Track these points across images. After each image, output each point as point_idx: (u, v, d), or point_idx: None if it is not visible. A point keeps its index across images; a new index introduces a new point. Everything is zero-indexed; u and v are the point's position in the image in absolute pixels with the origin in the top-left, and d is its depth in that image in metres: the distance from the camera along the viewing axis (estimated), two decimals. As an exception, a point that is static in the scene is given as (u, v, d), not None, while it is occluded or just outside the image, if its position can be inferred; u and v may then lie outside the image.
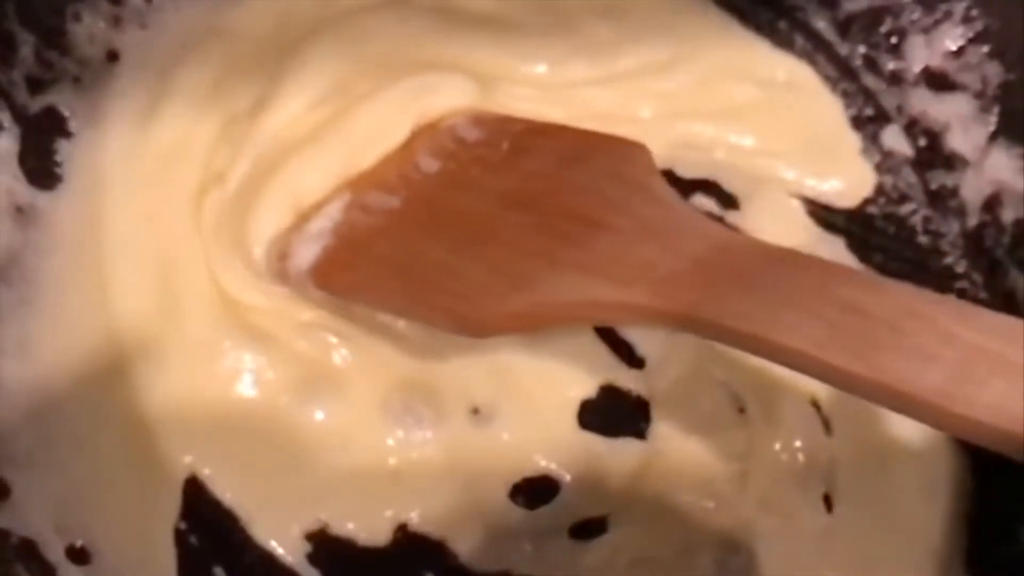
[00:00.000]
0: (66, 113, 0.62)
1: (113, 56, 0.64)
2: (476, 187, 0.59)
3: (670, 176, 0.66)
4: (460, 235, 0.57)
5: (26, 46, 0.61)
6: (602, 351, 0.61)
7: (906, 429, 0.60)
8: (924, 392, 0.42)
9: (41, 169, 0.61)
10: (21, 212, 0.59)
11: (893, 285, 0.47)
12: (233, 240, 0.59)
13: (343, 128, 0.61)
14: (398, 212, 0.59)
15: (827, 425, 0.60)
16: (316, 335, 0.60)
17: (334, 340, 0.60)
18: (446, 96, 0.63)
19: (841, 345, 0.44)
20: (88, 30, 0.63)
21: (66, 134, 0.62)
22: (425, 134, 0.62)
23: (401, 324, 0.60)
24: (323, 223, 0.58)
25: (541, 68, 0.66)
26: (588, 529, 0.58)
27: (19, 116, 0.60)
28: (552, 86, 0.66)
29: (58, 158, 0.62)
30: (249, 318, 0.60)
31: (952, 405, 0.42)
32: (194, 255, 0.60)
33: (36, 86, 0.61)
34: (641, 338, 0.62)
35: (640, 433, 0.60)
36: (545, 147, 0.60)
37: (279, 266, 0.58)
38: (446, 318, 0.55)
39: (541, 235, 0.55)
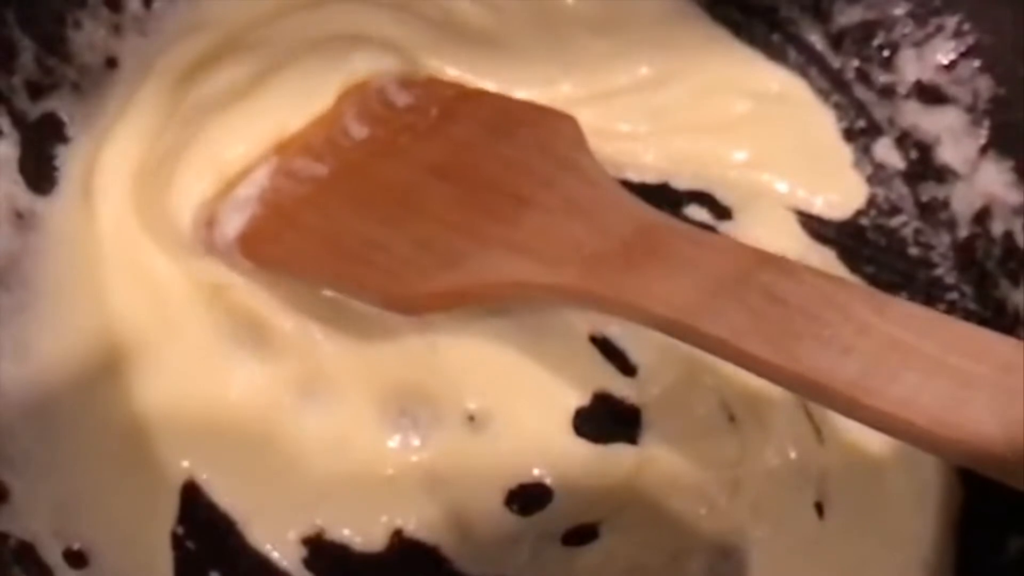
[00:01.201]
0: (65, 119, 0.62)
1: (112, 63, 0.65)
2: (405, 156, 0.59)
3: (665, 188, 0.67)
4: (388, 207, 0.56)
5: (26, 52, 0.61)
6: (596, 358, 0.62)
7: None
8: (838, 384, 0.43)
9: (40, 174, 0.61)
10: (20, 217, 0.60)
11: (811, 273, 0.47)
12: (163, 209, 0.59)
13: (267, 89, 0.60)
14: (326, 181, 0.58)
15: (818, 433, 0.60)
16: (308, 336, 0.60)
17: (323, 343, 0.60)
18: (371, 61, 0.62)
19: (761, 334, 0.45)
20: (88, 37, 0.64)
21: (64, 139, 0.62)
22: (353, 95, 0.61)
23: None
24: (250, 190, 0.58)
25: (533, 90, 0.66)
26: (581, 535, 0.58)
27: (19, 122, 0.60)
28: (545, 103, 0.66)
29: (56, 163, 0.62)
30: (246, 321, 0.60)
31: (864, 397, 0.42)
32: (190, 260, 0.60)
33: (36, 92, 0.61)
34: (633, 345, 0.62)
35: (632, 439, 0.60)
36: (473, 115, 0.60)
37: (206, 234, 0.57)
38: (375, 295, 0.55)
39: (469, 209, 0.55)
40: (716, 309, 0.46)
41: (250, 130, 0.59)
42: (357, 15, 0.66)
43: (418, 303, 0.54)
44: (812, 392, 0.44)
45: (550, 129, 0.58)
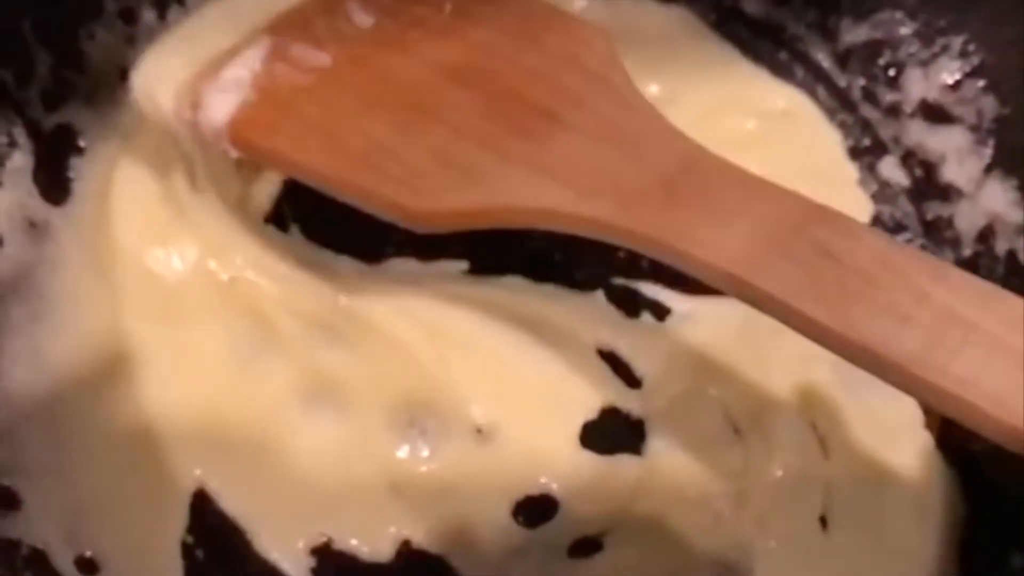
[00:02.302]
0: (79, 130, 0.63)
1: (126, 74, 0.65)
2: (416, 53, 0.55)
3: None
4: (400, 109, 0.53)
5: (42, 64, 0.62)
6: (604, 372, 0.62)
7: (902, 452, 0.61)
8: (897, 355, 0.41)
9: (54, 185, 0.62)
10: (34, 227, 0.60)
11: (868, 231, 0.45)
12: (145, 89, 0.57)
13: None
14: (329, 72, 0.54)
15: (823, 446, 0.61)
16: (317, 345, 0.60)
17: (333, 352, 0.60)
18: None
19: (813, 293, 0.42)
20: (103, 49, 0.64)
21: (78, 150, 0.63)
22: None
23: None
24: (239, 72, 0.55)
25: None
26: (586, 547, 0.58)
27: (34, 133, 0.61)
28: None
29: (71, 174, 0.63)
30: (257, 332, 0.60)
31: (924, 372, 0.40)
32: (202, 269, 0.61)
33: (51, 103, 0.62)
34: (638, 357, 0.63)
35: (637, 451, 0.61)
36: (493, 17, 0.56)
37: (191, 116, 0.55)
38: (385, 206, 0.51)
39: (490, 121, 0.51)
40: (765, 261, 0.43)
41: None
42: None
43: (434, 219, 0.51)
44: (866, 361, 0.42)
45: (579, 41, 0.54)
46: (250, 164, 0.61)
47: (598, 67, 0.52)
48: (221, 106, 0.54)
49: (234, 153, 0.54)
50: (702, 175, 0.47)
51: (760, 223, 0.44)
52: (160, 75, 0.56)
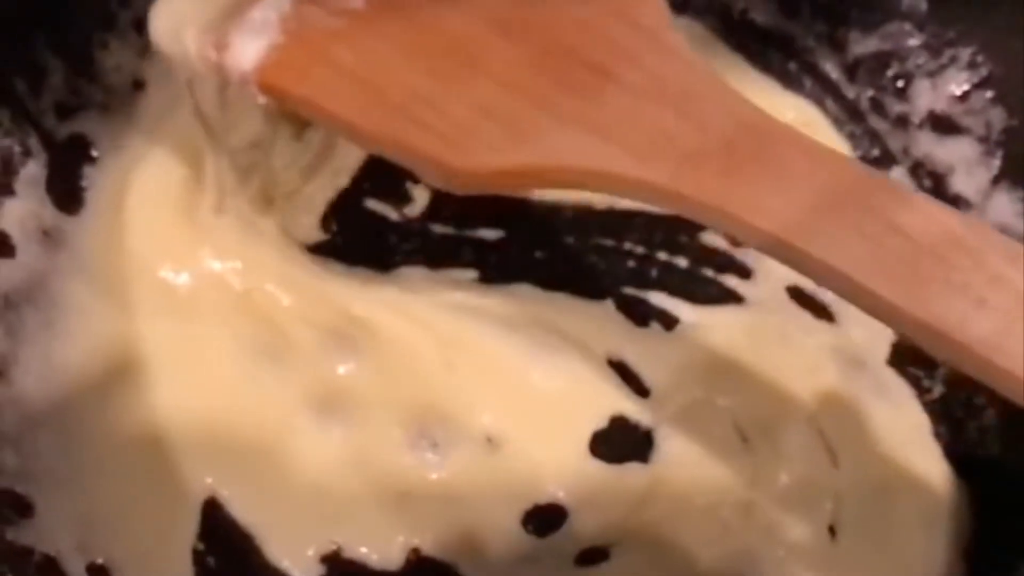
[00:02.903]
0: (92, 139, 0.64)
1: (139, 84, 0.66)
2: (458, 1, 0.51)
3: (684, 218, 0.67)
4: (440, 59, 0.49)
5: (56, 74, 0.62)
6: (614, 381, 0.62)
7: (910, 461, 0.61)
8: (970, 340, 0.39)
9: (67, 194, 0.62)
10: (48, 236, 0.61)
11: (939, 209, 0.42)
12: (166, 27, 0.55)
13: None
14: (362, 15, 0.51)
15: (832, 455, 0.61)
16: (328, 353, 0.60)
17: (343, 360, 0.60)
18: None
19: (881, 268, 0.40)
20: (116, 59, 0.65)
21: (91, 160, 0.63)
22: None
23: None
24: (267, 13, 0.52)
25: None
26: (593, 556, 0.59)
27: (47, 142, 0.62)
28: None
29: (84, 183, 0.63)
30: (268, 339, 0.60)
31: (1000, 359, 0.39)
32: (215, 278, 0.61)
33: (64, 113, 0.63)
34: (647, 366, 0.63)
35: (646, 460, 0.61)
36: None
37: (216, 58, 0.52)
38: (426, 163, 0.49)
39: (540, 76, 0.48)
40: (829, 233, 0.41)
41: None
42: None
43: (478, 180, 0.48)
44: (932, 342, 0.40)
45: None
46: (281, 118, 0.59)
47: (652, 24, 0.49)
48: (248, 48, 0.52)
49: (262, 99, 0.52)
50: (763, 139, 0.44)
51: (824, 193, 0.42)
52: (182, 12, 0.54)
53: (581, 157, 0.46)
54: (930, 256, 0.40)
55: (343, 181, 0.67)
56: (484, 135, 0.47)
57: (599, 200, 0.67)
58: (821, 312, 0.65)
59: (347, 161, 0.67)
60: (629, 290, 0.65)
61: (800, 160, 0.43)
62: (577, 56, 0.48)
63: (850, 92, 0.72)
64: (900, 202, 0.42)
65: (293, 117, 0.58)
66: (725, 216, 0.44)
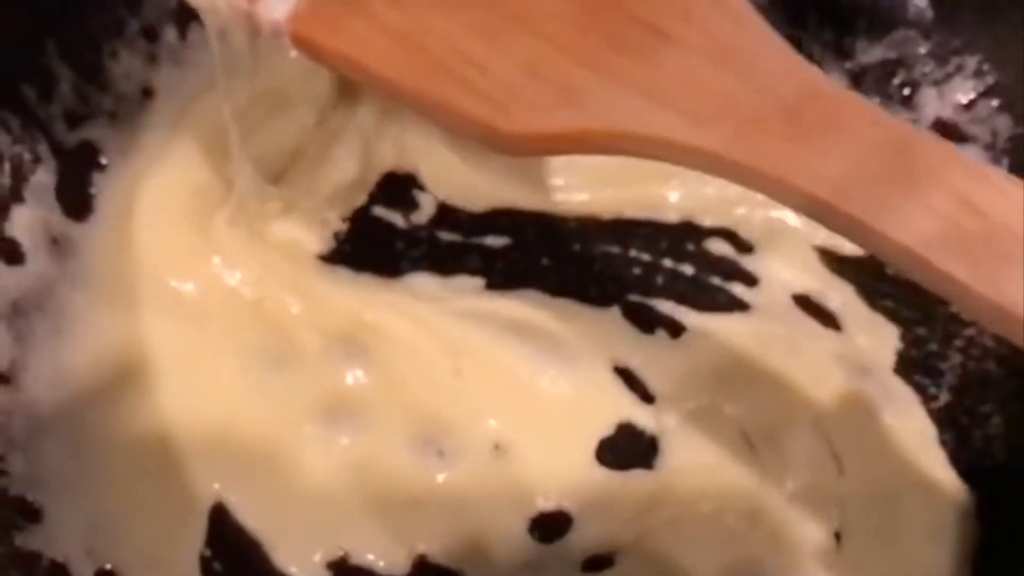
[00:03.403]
0: (101, 147, 0.64)
1: (148, 92, 0.66)
2: None
3: (689, 226, 0.67)
4: (486, 13, 0.47)
5: (65, 82, 0.62)
6: (620, 389, 0.62)
7: (916, 469, 0.61)
8: None
9: (76, 201, 0.63)
10: (57, 243, 0.61)
11: (1014, 185, 0.40)
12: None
13: None
14: None
15: (838, 463, 0.61)
16: (336, 360, 0.61)
17: (351, 367, 0.61)
18: None
19: (954, 248, 0.38)
20: (125, 67, 0.65)
21: (100, 167, 0.64)
22: None
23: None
24: None
25: None
26: (599, 563, 0.59)
27: (57, 150, 0.62)
28: None
29: (93, 190, 0.63)
30: (275, 346, 0.61)
31: None
32: (223, 286, 0.62)
33: (74, 121, 0.63)
34: (653, 373, 0.63)
35: (651, 467, 0.61)
36: None
37: (247, 6, 0.51)
38: (471, 125, 0.46)
39: (592, 35, 0.45)
40: (898, 209, 0.39)
41: None
42: None
43: (524, 144, 0.46)
44: (1009, 328, 0.39)
45: None
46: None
47: None
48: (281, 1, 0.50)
49: (294, 53, 0.50)
50: (827, 106, 0.42)
51: (894, 167, 0.40)
52: None
53: (634, 121, 0.43)
54: (1009, 238, 0.38)
55: (361, 199, 0.67)
56: (531, 96, 0.45)
57: (605, 210, 0.67)
58: (827, 320, 0.65)
59: (368, 176, 0.67)
60: (635, 297, 0.65)
61: (867, 130, 0.41)
62: (630, 13, 0.46)
63: (855, 100, 0.72)
64: (973, 176, 0.40)
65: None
66: (786, 187, 0.41)
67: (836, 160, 0.40)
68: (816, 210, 0.41)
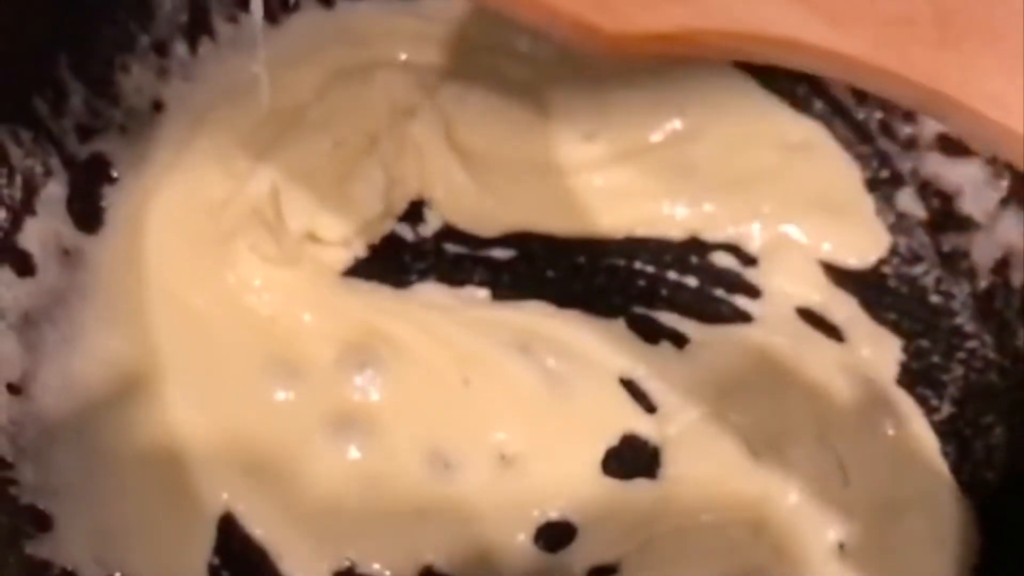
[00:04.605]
0: (111, 160, 0.64)
1: (158, 106, 0.67)
2: None
3: (694, 240, 0.68)
4: None
5: (77, 95, 0.63)
6: (625, 400, 0.62)
7: (918, 480, 0.61)
8: None
9: (87, 213, 0.63)
10: (67, 255, 0.61)
11: None
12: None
13: None
14: None
15: (842, 474, 0.61)
16: (344, 371, 0.61)
17: (359, 378, 0.61)
18: None
19: None
20: (136, 81, 0.66)
21: (111, 180, 0.64)
22: None
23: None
24: None
25: (573, 146, 0.68)
26: (603, 573, 0.59)
27: (68, 162, 0.62)
28: (583, 166, 0.68)
29: (103, 203, 0.64)
30: (285, 356, 0.61)
31: None
32: (231, 295, 0.62)
33: (85, 134, 0.64)
34: (657, 384, 0.63)
35: (655, 477, 0.61)
36: None
37: None
38: (568, 24, 0.41)
39: None
40: None
41: None
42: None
43: (628, 44, 0.40)
44: None
45: None
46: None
47: None
48: None
49: None
50: (985, 8, 0.37)
51: None
52: None
53: (760, 20, 0.38)
54: None
55: (390, 226, 0.67)
56: None
57: (609, 226, 0.68)
58: (831, 332, 0.66)
59: (395, 208, 0.67)
60: (640, 309, 0.66)
61: (1018, 29, 0.37)
62: None
63: (859, 114, 0.73)
64: None
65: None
66: (941, 101, 0.37)
67: (998, 69, 0.36)
68: (977, 128, 0.37)
